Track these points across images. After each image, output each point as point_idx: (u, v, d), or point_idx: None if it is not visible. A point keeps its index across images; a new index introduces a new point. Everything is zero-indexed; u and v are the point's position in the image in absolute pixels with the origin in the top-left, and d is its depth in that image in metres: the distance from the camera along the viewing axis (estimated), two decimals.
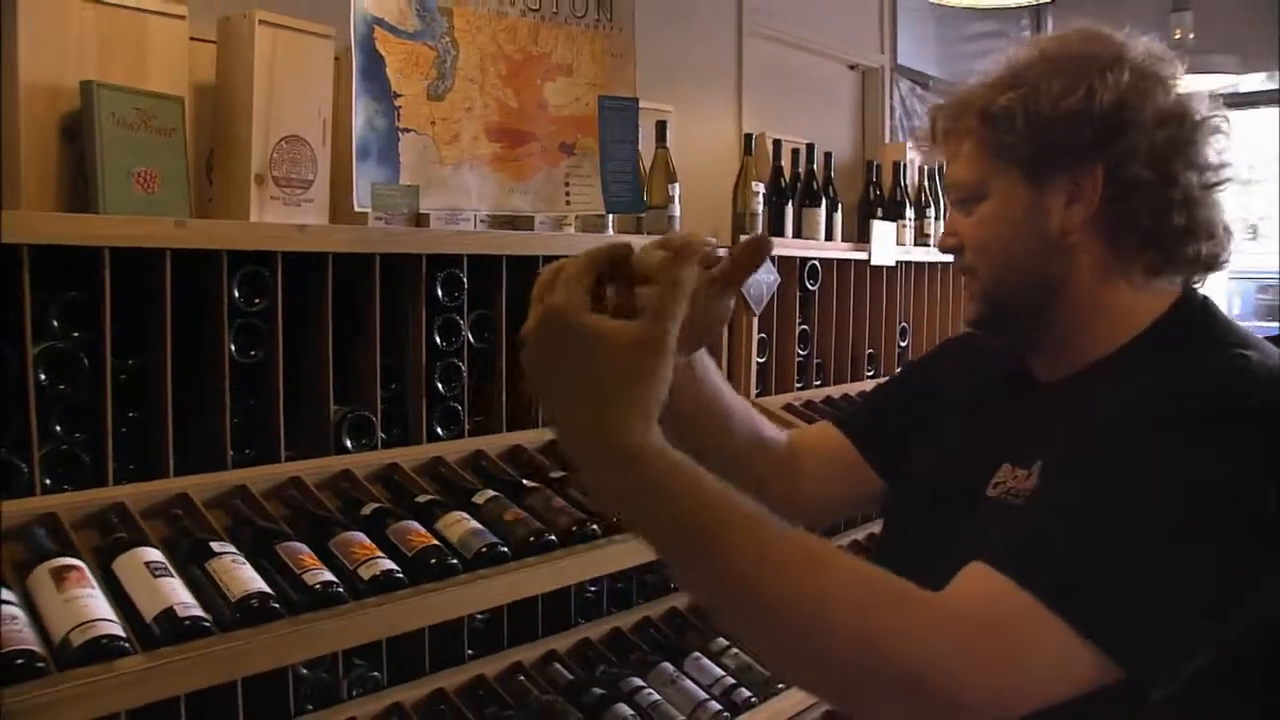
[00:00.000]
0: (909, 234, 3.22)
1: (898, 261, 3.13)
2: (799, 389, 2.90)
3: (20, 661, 1.16)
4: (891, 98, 3.74)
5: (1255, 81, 4.90)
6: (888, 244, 3.09)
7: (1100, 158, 1.03)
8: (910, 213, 3.25)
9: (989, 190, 1.09)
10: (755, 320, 2.62)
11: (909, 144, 3.43)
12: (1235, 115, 1.11)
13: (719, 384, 1.28)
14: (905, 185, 3.27)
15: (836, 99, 3.63)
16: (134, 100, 1.62)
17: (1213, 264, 1.07)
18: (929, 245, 3.28)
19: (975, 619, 0.85)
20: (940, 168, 3.34)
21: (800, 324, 2.90)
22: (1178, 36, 4.14)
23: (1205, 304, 1.09)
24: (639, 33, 2.22)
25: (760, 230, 2.70)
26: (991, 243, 1.10)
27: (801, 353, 2.92)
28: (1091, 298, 1.08)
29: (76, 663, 1.21)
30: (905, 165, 3.27)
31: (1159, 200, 1.03)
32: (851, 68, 3.65)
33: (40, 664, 1.18)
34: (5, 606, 1.23)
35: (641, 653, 2.18)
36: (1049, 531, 0.90)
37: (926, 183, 3.36)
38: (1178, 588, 0.88)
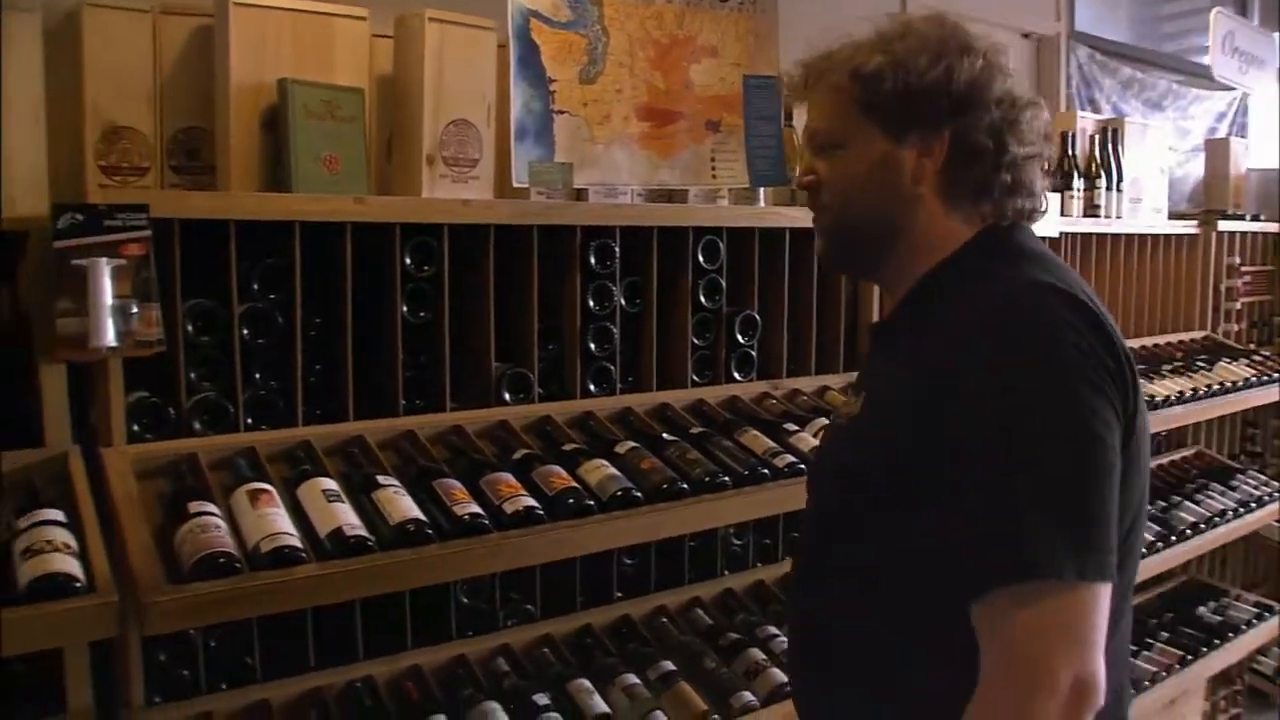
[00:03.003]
0: (1077, 205, 3.17)
1: (1061, 233, 3.09)
2: None
3: (222, 560, 1.41)
4: (1068, 66, 3.66)
5: None
6: (1052, 214, 3.05)
7: (950, 125, 1.21)
8: (1079, 183, 3.19)
9: (849, 140, 1.26)
10: None
11: (1080, 113, 3.36)
12: None
13: None
14: (1075, 155, 3.21)
15: None
16: (321, 93, 1.85)
17: (1032, 215, 1.28)
18: (1098, 216, 3.22)
19: (1017, 657, 1.03)
20: (1114, 135, 3.27)
21: None
22: None
23: (1008, 229, 1.26)
24: (799, 7, 2.31)
25: None
26: (847, 186, 1.27)
27: None
28: (925, 238, 1.26)
29: (264, 566, 1.44)
30: (1075, 135, 3.21)
31: (991, 162, 1.23)
32: (1025, 36, 3.60)
33: (237, 564, 1.42)
34: (210, 517, 1.48)
35: (781, 604, 2.29)
36: (986, 531, 1.06)
37: (1098, 152, 3.29)
38: (1104, 507, 1.06)
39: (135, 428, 1.69)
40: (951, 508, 1.08)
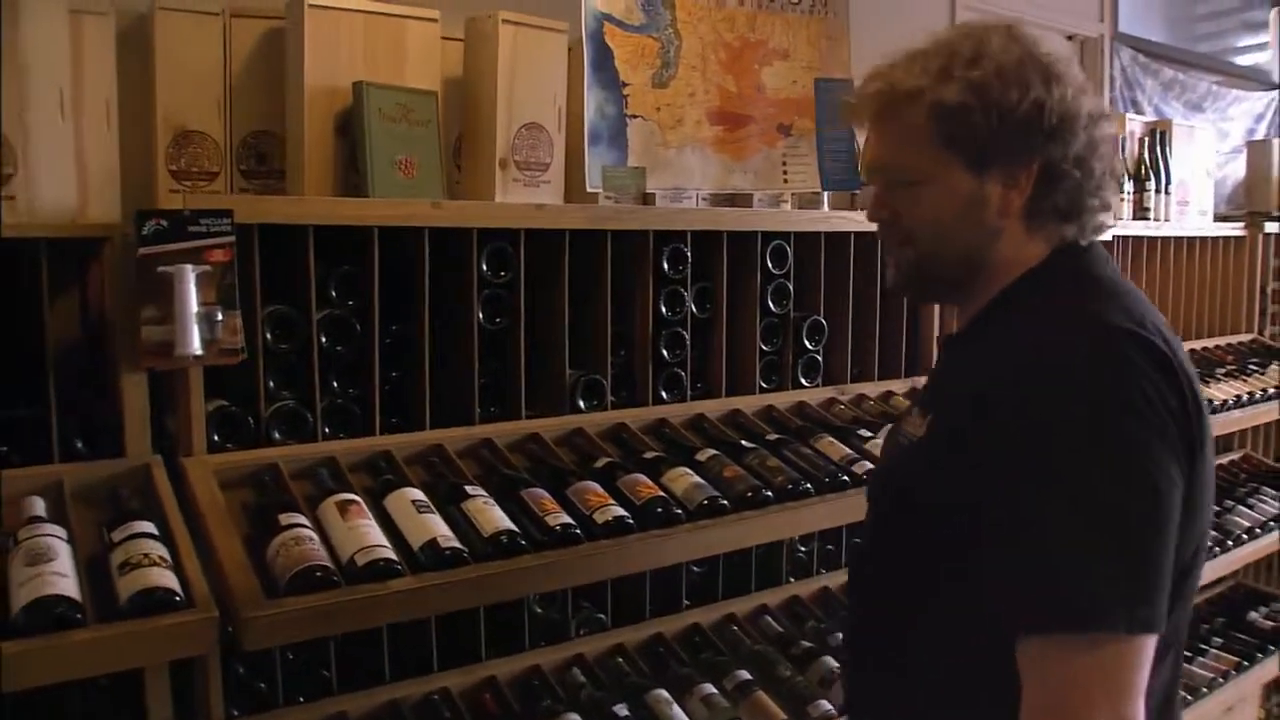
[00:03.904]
0: (1126, 208, 3.14)
1: (1114, 236, 3.06)
2: None
3: (319, 574, 1.38)
4: (1111, 68, 3.63)
5: None
6: None
7: (1038, 156, 1.17)
8: (1129, 186, 3.16)
9: (930, 175, 1.19)
10: None
11: (1128, 115, 3.33)
12: None
13: None
14: (1124, 158, 3.18)
15: None
16: (396, 96, 1.82)
17: (1104, 229, 1.25)
18: (1149, 219, 3.19)
19: (1057, 703, 1.03)
20: (1161, 137, 3.24)
21: None
22: None
23: (1082, 252, 1.23)
24: (854, 12, 2.29)
25: None
26: (933, 227, 1.21)
27: None
28: (1005, 262, 1.22)
29: (360, 579, 1.41)
30: (1125, 138, 3.19)
31: (1078, 187, 1.19)
32: (1069, 38, 3.57)
33: (334, 578, 1.39)
34: (302, 529, 1.45)
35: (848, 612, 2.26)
36: (1039, 576, 1.04)
37: (1147, 154, 3.26)
38: (1159, 558, 1.04)
39: (215, 437, 1.66)
40: (1007, 545, 1.07)
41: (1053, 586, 1.03)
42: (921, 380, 2.54)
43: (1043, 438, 1.06)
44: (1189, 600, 1.19)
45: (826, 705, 1.92)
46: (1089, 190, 1.20)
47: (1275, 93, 4.33)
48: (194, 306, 1.54)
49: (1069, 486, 1.04)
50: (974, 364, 1.22)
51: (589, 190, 1.97)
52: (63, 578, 1.28)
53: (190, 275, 1.54)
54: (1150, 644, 1.03)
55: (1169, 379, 1.08)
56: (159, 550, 1.37)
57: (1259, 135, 4.71)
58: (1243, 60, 4.73)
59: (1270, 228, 3.72)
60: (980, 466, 1.10)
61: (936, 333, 2.62)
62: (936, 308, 2.59)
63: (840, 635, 2.14)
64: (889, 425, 2.18)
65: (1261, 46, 4.59)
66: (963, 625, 1.15)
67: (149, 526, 1.42)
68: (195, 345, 1.54)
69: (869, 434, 2.14)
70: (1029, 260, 1.22)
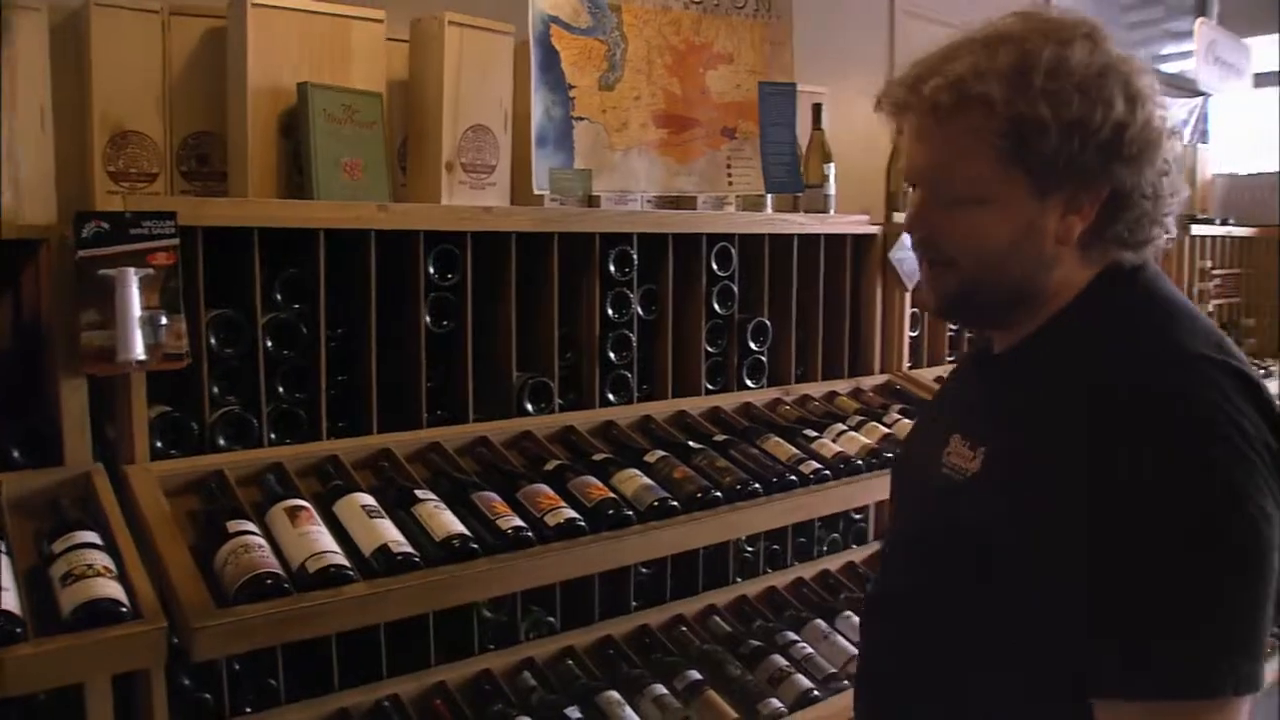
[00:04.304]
0: None
1: None
2: (949, 361, 2.94)
3: (269, 581, 1.36)
4: None
5: None
6: None
7: (1109, 183, 1.05)
8: None
9: (989, 195, 1.07)
10: (908, 295, 2.68)
11: None
12: None
13: None
14: None
15: None
16: (341, 98, 1.80)
17: (1160, 250, 1.13)
18: None
19: None
20: None
21: None
22: None
23: (1138, 270, 1.12)
24: (796, 17, 2.31)
25: None
26: (985, 254, 1.09)
27: (952, 328, 2.96)
28: (1055, 289, 1.11)
29: (312, 586, 1.39)
30: None
31: (1144, 216, 1.08)
32: None
33: (285, 585, 1.37)
34: (251, 536, 1.43)
35: (795, 610, 2.29)
36: (1135, 635, 0.95)
37: None
38: (1264, 613, 0.95)
39: (159, 444, 1.63)
40: (1098, 598, 0.97)
41: (1154, 648, 0.94)
42: (867, 380, 2.58)
43: (1136, 481, 0.95)
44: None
45: (776, 703, 1.94)
46: (1156, 218, 1.09)
47: (1198, 100, 4.46)
48: (136, 310, 1.51)
49: (1167, 534, 0.94)
50: (1037, 396, 1.09)
51: (536, 192, 1.96)
52: (2, 591, 1.25)
53: (133, 278, 1.50)
54: (1249, 701, 0.95)
55: (1259, 405, 0.99)
56: (103, 560, 1.34)
57: (1183, 140, 4.85)
58: (1167, 68, 4.86)
59: (1196, 230, 3.82)
60: (1065, 507, 0.99)
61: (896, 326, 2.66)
62: (879, 310, 2.62)
63: (789, 634, 2.16)
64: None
65: (1185, 54, 4.72)
66: (1029, 676, 1.04)
67: (92, 536, 1.39)
68: (138, 350, 1.51)
69: (814, 434, 2.16)
70: (1081, 283, 1.11)
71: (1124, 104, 1.03)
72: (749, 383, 2.38)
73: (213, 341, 1.67)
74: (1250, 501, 0.94)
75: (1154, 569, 0.94)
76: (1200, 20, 4.12)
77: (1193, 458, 0.95)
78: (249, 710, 1.69)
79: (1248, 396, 0.99)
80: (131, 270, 1.50)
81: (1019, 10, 1.10)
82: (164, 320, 1.54)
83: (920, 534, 1.21)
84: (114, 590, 1.30)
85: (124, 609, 1.28)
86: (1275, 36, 4.59)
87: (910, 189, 1.17)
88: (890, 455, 2.15)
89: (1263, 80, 4.61)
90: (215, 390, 1.69)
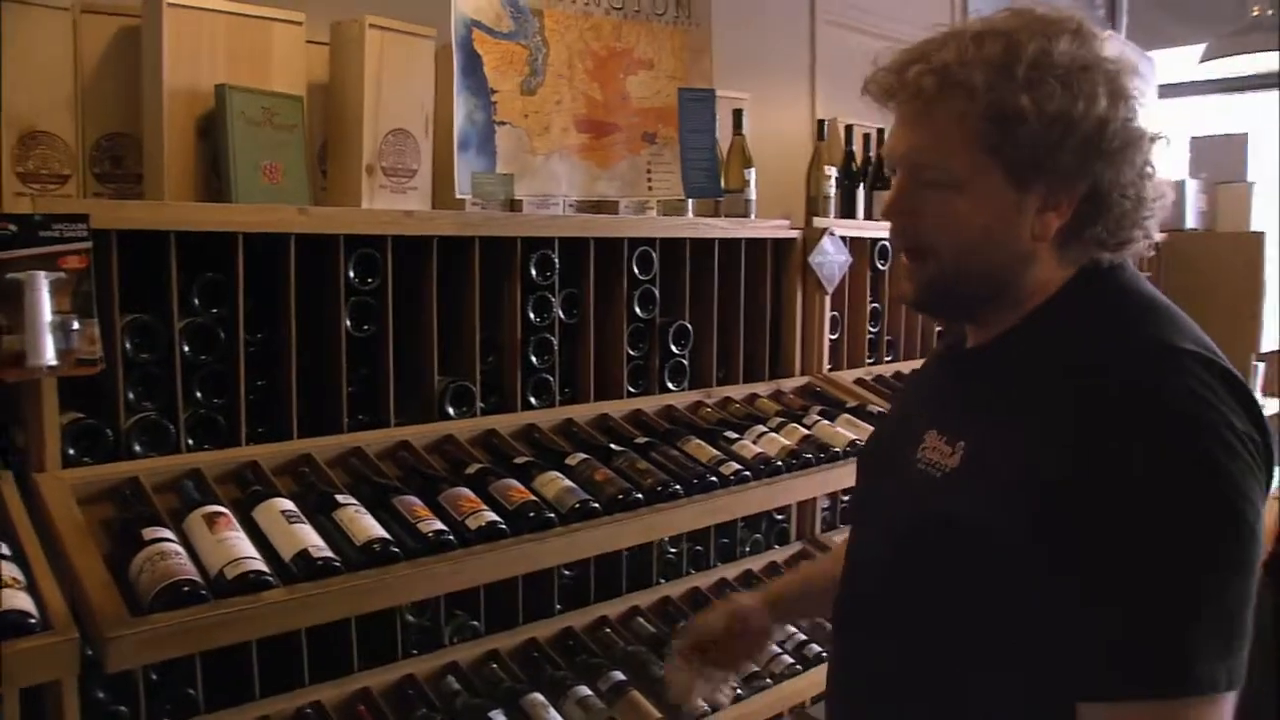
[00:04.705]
0: None
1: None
2: (869, 364, 3.00)
3: (186, 588, 1.34)
4: None
5: None
6: None
7: (1086, 180, 1.05)
8: None
9: (967, 182, 1.07)
10: (828, 298, 2.73)
11: None
12: None
13: (789, 612, 1.64)
14: None
15: None
16: (260, 100, 1.79)
17: (1140, 254, 1.14)
18: None
19: None
20: None
21: (871, 302, 3.00)
22: (1255, 14, 4.13)
23: (1109, 271, 1.12)
24: (717, 24, 2.35)
25: (831, 213, 2.80)
26: (960, 238, 1.09)
27: (872, 330, 3.02)
28: (1031, 287, 1.11)
29: (231, 592, 1.38)
30: None
31: (1124, 216, 1.08)
32: None
33: (203, 591, 1.36)
34: (167, 543, 1.41)
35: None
36: (1122, 632, 0.95)
37: None
38: (1242, 603, 0.95)
39: (71, 451, 1.60)
40: (1084, 594, 0.96)
41: (1151, 647, 0.93)
42: (788, 383, 2.62)
43: (1127, 476, 0.95)
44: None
45: (700, 702, 1.96)
46: (1136, 220, 1.08)
47: None
48: (47, 315, 1.48)
49: (1158, 530, 0.94)
50: (1018, 389, 1.09)
51: (458, 196, 1.97)
52: None
53: (43, 282, 1.47)
54: (1233, 698, 0.94)
55: (1242, 400, 1.00)
56: (11, 571, 1.31)
57: None
58: None
59: None
60: (1053, 501, 0.98)
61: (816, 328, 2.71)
62: (800, 314, 2.67)
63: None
64: (759, 428, 2.25)
65: None
66: (1027, 675, 1.02)
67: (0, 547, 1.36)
68: (49, 355, 1.48)
69: (735, 435, 2.19)
70: (1059, 282, 1.11)
71: (1106, 100, 1.03)
72: (671, 385, 2.40)
73: (128, 346, 1.65)
74: (1241, 498, 0.95)
75: (1144, 565, 0.94)
76: (1109, 33, 4.27)
77: (1184, 453, 0.95)
78: None
79: (1231, 391, 0.99)
80: (41, 274, 1.47)
81: (1013, 7, 1.10)
82: (76, 325, 1.51)
83: (897, 534, 1.18)
84: (22, 601, 1.27)
85: (33, 620, 1.25)
86: (1181, 50, 4.75)
87: (892, 174, 1.17)
88: (810, 456, 2.20)
89: (1166, 92, 4.77)
90: (131, 396, 1.66)
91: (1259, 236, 4.09)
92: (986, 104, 1.04)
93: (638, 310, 2.32)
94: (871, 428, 2.36)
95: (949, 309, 1.22)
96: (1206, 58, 4.10)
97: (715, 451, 2.09)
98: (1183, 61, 4.60)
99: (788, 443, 2.23)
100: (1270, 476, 1.01)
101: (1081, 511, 0.97)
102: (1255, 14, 4.11)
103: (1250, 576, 0.95)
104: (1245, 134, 4.37)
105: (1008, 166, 1.05)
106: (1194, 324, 1.08)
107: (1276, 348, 4.09)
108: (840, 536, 2.71)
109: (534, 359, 2.14)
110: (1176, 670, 0.92)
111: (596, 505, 1.79)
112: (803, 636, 2.25)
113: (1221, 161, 4.37)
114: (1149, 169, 1.08)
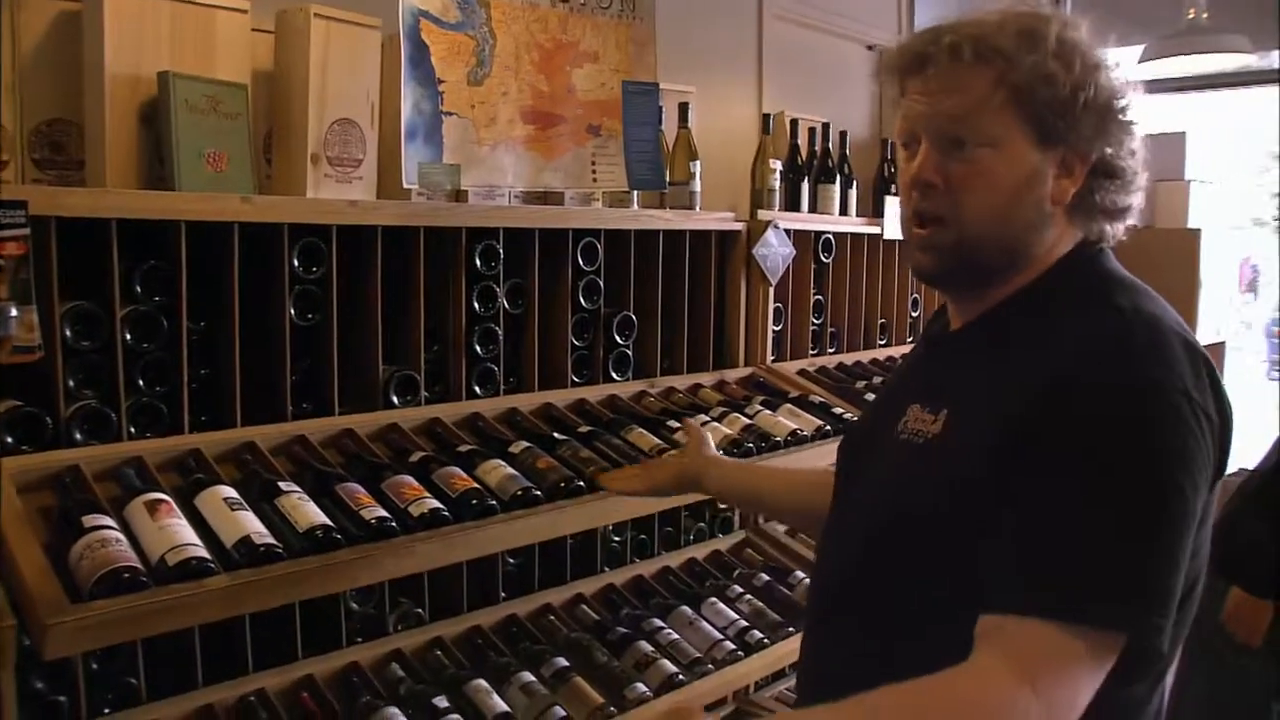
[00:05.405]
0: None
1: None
2: (813, 355, 3.05)
3: (126, 575, 1.35)
4: None
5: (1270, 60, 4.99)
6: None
7: (1098, 148, 1.15)
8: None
9: (1002, 140, 1.13)
10: (771, 290, 2.76)
11: None
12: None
13: (744, 481, 1.70)
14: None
15: (854, 79, 3.74)
16: (204, 88, 1.78)
17: (1121, 234, 1.23)
18: None
19: (1010, 685, 0.96)
20: None
21: (815, 294, 3.05)
22: (1191, 16, 4.23)
23: (1100, 253, 1.21)
24: (664, 18, 2.37)
25: (776, 205, 2.83)
26: (990, 197, 1.15)
27: (815, 322, 3.07)
28: (1038, 258, 1.19)
29: (172, 579, 1.38)
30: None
31: (1124, 187, 1.18)
32: (869, 48, 3.76)
33: (143, 578, 1.36)
34: (108, 530, 1.41)
35: (662, 597, 2.35)
36: (1034, 556, 1.01)
37: None
38: (1157, 559, 1.00)
39: (9, 439, 1.59)
40: (1021, 530, 1.03)
41: (1051, 573, 0.99)
42: (731, 373, 2.66)
43: (1070, 415, 1.02)
44: (1184, 626, 1.12)
45: (642, 687, 1.99)
46: (1131, 191, 1.19)
47: None
48: None
49: (1086, 471, 1.01)
50: (996, 357, 1.16)
51: (405, 186, 1.98)
52: None
53: None
54: (1115, 653, 0.99)
55: (1209, 378, 1.07)
56: None
57: None
58: None
59: None
60: (1007, 432, 1.06)
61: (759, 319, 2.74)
62: (743, 305, 2.70)
63: (655, 620, 2.22)
64: (702, 416, 2.28)
65: None
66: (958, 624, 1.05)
67: None
68: None
69: (677, 425, 2.23)
70: (1052, 258, 1.19)
71: (1115, 75, 1.15)
72: (615, 375, 2.43)
73: (68, 334, 1.64)
74: (1177, 459, 1.01)
75: (1069, 500, 1.00)
76: None
77: (1134, 404, 1.02)
78: (108, 711, 1.67)
79: (1199, 369, 1.07)
80: None
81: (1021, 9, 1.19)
82: (14, 312, 1.50)
83: (880, 504, 1.22)
84: None
85: None
86: (1120, 50, 4.86)
87: (904, 148, 1.22)
88: (751, 445, 2.23)
89: None
90: (71, 384, 1.66)
91: (1195, 233, 4.20)
92: (1024, 67, 1.11)
93: (582, 301, 2.34)
94: (813, 418, 2.41)
95: (964, 277, 1.23)
96: (1145, 59, 4.19)
97: (657, 440, 2.12)
98: (1122, 61, 4.70)
99: (729, 432, 2.27)
100: (1224, 459, 1.09)
101: (1028, 444, 1.04)
102: (1191, 16, 4.20)
103: (1176, 541, 1.01)
104: (1183, 133, 4.47)
105: (1038, 129, 1.13)
106: (1168, 304, 1.16)
107: (1211, 342, 4.20)
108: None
109: (479, 348, 2.16)
110: (1074, 600, 0.98)
111: (538, 493, 1.81)
112: (744, 624, 2.29)
113: (1160, 160, 4.48)
114: (1138, 148, 1.18)
